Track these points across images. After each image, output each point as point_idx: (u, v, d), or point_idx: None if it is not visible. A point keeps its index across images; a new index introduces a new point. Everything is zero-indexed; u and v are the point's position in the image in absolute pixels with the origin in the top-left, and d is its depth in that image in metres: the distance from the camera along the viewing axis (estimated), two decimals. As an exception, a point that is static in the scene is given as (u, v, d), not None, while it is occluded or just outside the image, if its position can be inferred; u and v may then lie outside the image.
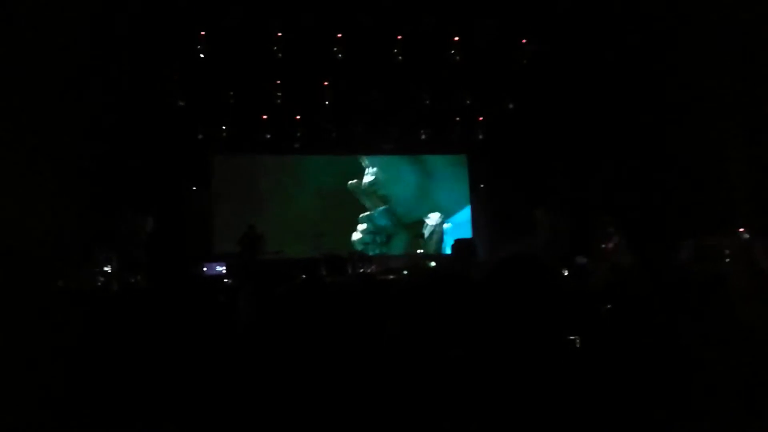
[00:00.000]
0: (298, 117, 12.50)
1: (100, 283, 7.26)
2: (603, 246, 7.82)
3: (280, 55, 10.43)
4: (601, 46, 9.98)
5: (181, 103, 11.14)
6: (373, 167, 14.08)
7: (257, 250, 11.20)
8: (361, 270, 11.37)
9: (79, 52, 8.87)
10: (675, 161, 8.66)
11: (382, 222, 14.01)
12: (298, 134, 12.84)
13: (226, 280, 7.67)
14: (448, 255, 12.83)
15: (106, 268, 7.37)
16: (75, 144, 9.17)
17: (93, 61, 9.23)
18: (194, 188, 12.77)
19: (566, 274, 7.19)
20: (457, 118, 12.96)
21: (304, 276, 4.43)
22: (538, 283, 1.86)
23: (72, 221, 8.58)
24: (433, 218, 14.06)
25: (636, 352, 2.01)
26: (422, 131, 13.24)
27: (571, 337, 1.88)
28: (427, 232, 13.97)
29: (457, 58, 10.84)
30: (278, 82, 11.47)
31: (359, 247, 13.45)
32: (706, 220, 7.35)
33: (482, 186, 14.27)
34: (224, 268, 10.18)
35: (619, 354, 1.91)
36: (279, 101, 11.78)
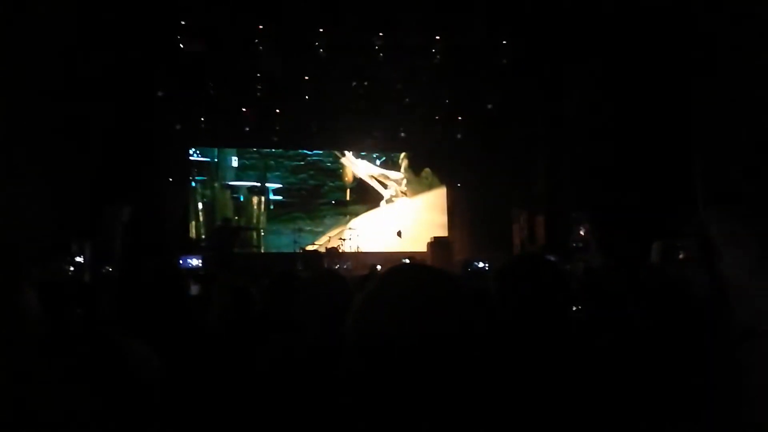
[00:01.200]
0: (278, 111, 12.44)
1: (71, 273, 7.18)
2: (575, 245, 7.91)
3: (261, 47, 10.37)
4: (579, 46, 10.05)
5: (160, 94, 11.02)
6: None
7: (233, 243, 11.11)
8: (337, 266, 11.41)
9: (58, 44, 8.72)
10: (650, 161, 8.75)
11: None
12: (277, 128, 12.78)
13: (202, 273, 7.62)
14: (424, 252, 12.92)
15: (78, 259, 7.27)
16: (52, 135, 9.02)
17: (72, 53, 9.09)
18: (171, 180, 12.64)
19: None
20: (437, 117, 13.00)
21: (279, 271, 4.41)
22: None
23: (48, 212, 8.44)
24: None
25: (607, 353, 2.04)
26: (401, 129, 13.27)
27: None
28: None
29: (438, 57, 10.88)
30: (258, 75, 11.39)
31: None
32: (679, 222, 7.43)
33: (459, 185, 14.33)
34: (200, 261, 10.09)
35: (591, 355, 1.93)
36: (259, 95, 11.71)
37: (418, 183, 14.79)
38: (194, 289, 4.07)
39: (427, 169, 14.75)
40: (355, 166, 14.47)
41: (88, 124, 9.87)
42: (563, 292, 1.94)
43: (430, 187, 14.79)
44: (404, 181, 14.77)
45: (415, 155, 14.64)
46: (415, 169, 14.77)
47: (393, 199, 14.68)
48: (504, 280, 1.97)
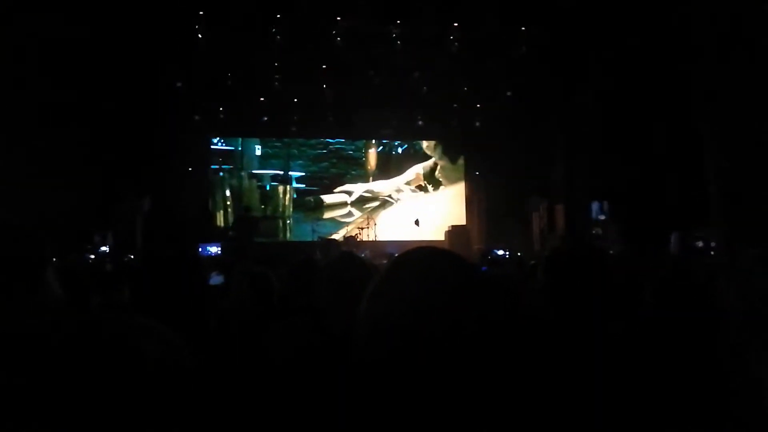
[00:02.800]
0: (296, 100, 12.45)
1: (91, 262, 7.29)
2: (594, 232, 7.84)
3: (278, 37, 10.37)
4: (598, 33, 9.91)
5: (179, 84, 11.08)
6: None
7: (253, 232, 11.17)
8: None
9: (79, 32, 8.79)
10: (669, 149, 8.64)
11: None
12: (295, 118, 12.81)
13: (220, 261, 7.67)
14: (442, 241, 12.90)
15: (104, 248, 7.36)
16: (74, 125, 9.12)
17: (92, 44, 9.16)
18: (190, 169, 12.74)
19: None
20: (455, 105, 12.93)
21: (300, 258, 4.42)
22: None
23: (70, 202, 8.55)
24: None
25: (622, 344, 2.01)
26: (419, 117, 13.23)
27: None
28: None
29: (456, 45, 10.80)
30: (276, 64, 11.40)
31: None
32: (698, 213, 7.33)
33: (477, 173, 14.26)
34: (219, 248, 10.14)
35: (606, 345, 1.91)
36: (277, 84, 11.72)
37: (453, 171, 14.72)
38: (217, 279, 4.10)
39: (463, 157, 14.63)
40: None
41: (108, 115, 9.97)
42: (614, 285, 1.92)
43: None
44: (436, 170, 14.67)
45: (447, 144, 14.52)
46: (451, 156, 14.66)
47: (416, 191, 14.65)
48: (556, 269, 1.94)
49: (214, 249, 9.83)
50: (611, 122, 10.03)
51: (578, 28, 10.03)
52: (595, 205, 8.75)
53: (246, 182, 13.77)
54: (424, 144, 14.66)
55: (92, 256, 7.14)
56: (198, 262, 2.33)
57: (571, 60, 10.78)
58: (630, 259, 3.35)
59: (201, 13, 10.03)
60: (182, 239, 10.31)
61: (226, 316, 2.78)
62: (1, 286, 1.35)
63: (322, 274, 2.35)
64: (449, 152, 14.58)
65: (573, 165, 11.56)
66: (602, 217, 8.02)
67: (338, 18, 10.35)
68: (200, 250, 9.98)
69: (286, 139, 13.99)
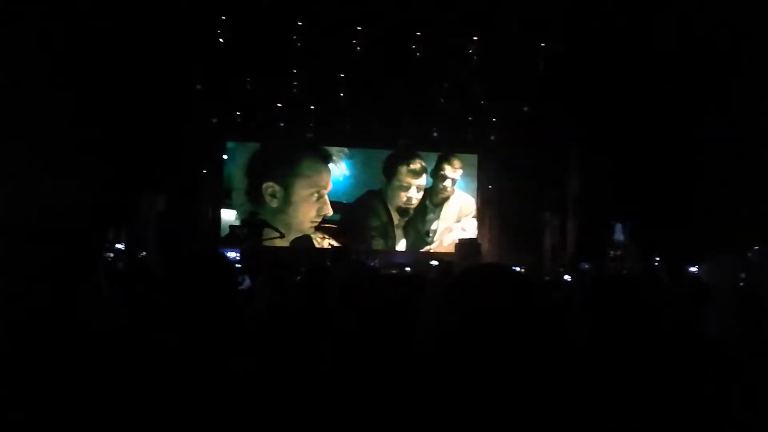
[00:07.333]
0: (313, 107, 12.52)
1: (110, 260, 7.35)
2: (612, 253, 7.81)
3: (299, 44, 10.47)
4: (618, 49, 9.94)
5: (198, 87, 11.17)
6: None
7: (260, 236, 11.22)
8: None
9: (102, 31, 8.90)
10: (694, 168, 8.55)
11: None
12: (312, 124, 12.88)
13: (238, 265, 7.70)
14: (451, 253, 12.87)
15: (119, 245, 7.43)
16: (90, 123, 9.19)
17: (112, 44, 9.26)
18: (205, 171, 12.83)
19: (569, 280, 7.24)
20: (470, 118, 12.97)
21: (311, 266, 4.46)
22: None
23: (84, 199, 8.61)
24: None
25: (638, 364, 2.03)
26: (435, 129, 13.27)
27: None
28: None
29: (475, 57, 10.86)
30: (295, 71, 11.49)
31: None
32: (721, 235, 7.22)
33: (490, 187, 14.24)
34: (237, 254, 10.14)
35: (620, 364, 1.93)
36: (295, 90, 11.81)
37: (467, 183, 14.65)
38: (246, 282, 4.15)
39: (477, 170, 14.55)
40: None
41: (127, 116, 10.07)
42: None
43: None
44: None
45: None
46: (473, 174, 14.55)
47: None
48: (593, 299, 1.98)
49: (231, 254, 9.83)
50: (628, 141, 10.03)
51: (595, 44, 10.07)
52: (617, 227, 8.72)
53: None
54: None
55: (111, 255, 7.22)
56: (232, 265, 2.36)
57: (587, 75, 10.80)
58: (650, 283, 3.38)
59: (223, 18, 10.15)
60: (198, 242, 10.38)
61: (253, 319, 2.83)
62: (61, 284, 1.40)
63: (333, 280, 2.40)
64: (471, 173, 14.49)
65: (587, 181, 11.57)
66: (622, 239, 8.01)
67: (359, 27, 10.45)
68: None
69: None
